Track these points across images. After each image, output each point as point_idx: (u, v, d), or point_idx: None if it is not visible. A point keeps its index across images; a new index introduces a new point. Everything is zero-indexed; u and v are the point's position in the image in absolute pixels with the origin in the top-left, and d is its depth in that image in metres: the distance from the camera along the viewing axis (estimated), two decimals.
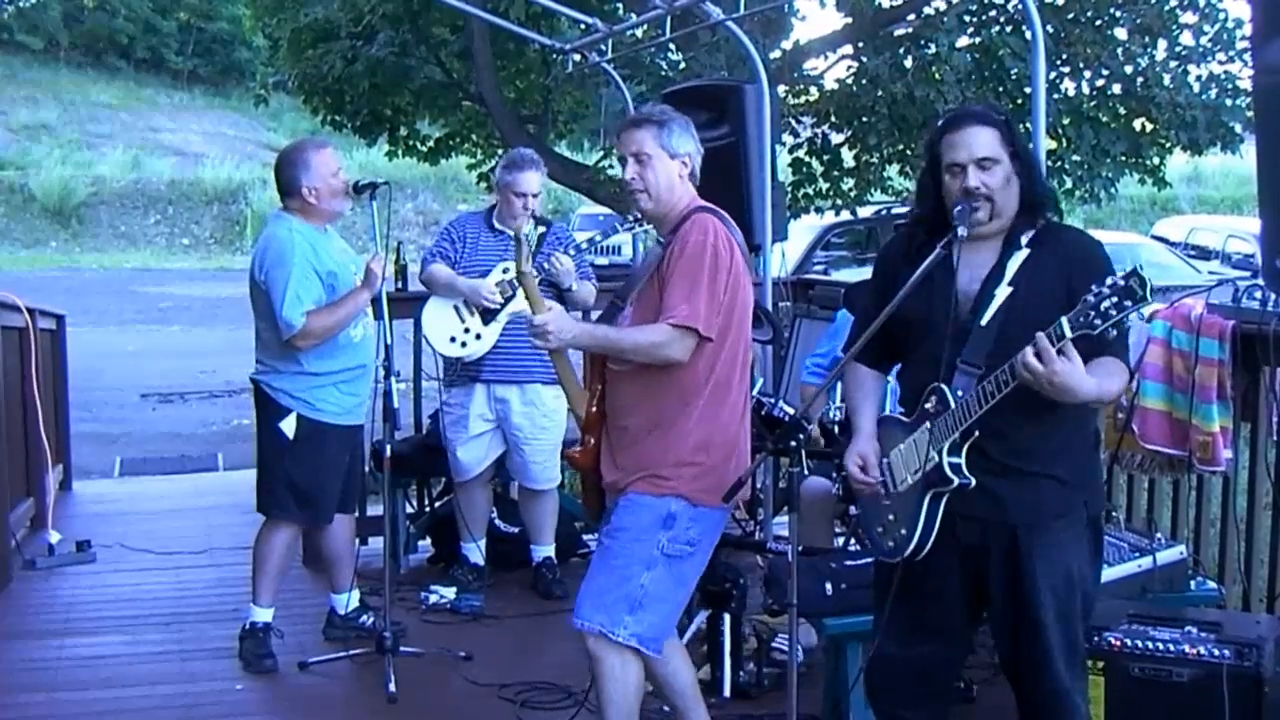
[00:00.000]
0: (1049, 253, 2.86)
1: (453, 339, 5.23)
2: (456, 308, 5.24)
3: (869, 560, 3.62)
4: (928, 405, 2.85)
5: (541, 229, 5.30)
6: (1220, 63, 10.25)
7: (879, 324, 2.88)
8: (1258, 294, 4.01)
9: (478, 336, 5.20)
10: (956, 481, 2.80)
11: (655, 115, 3.42)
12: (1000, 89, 10.08)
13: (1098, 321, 2.53)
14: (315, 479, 4.57)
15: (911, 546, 2.87)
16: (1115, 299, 2.52)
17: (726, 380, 3.33)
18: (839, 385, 4.42)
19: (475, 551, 5.49)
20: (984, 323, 2.82)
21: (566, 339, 3.37)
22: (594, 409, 3.44)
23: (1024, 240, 2.88)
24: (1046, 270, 2.83)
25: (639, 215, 5.22)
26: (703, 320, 3.22)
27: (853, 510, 4.49)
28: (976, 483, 2.81)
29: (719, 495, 3.24)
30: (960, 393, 2.79)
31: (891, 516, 2.94)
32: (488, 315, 5.20)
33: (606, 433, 3.43)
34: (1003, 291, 2.83)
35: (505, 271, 5.20)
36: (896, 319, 2.89)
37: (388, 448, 4.43)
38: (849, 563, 3.71)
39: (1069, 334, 2.57)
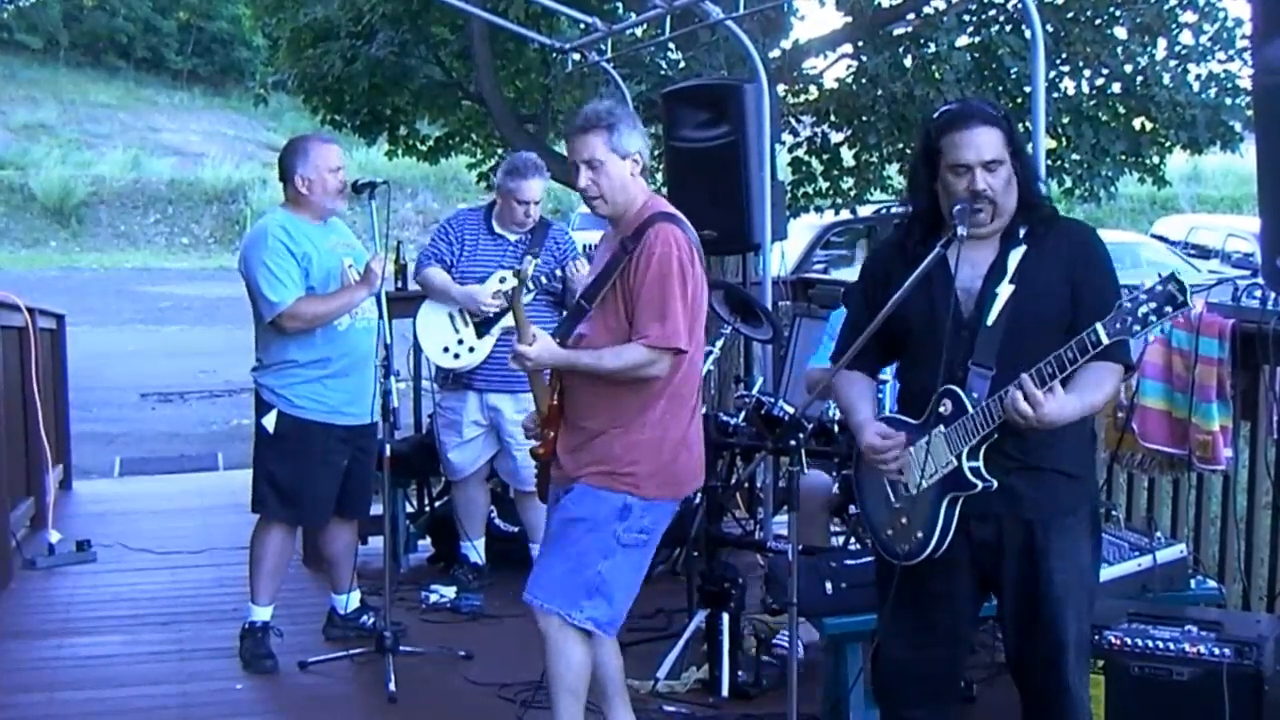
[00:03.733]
0: (1048, 246, 2.86)
1: (445, 349, 5.20)
2: (451, 315, 5.21)
3: (869, 560, 3.62)
4: (941, 409, 2.83)
5: (530, 263, 5.21)
6: (1220, 62, 10.24)
7: (873, 331, 2.86)
8: (1257, 293, 4.01)
9: (471, 349, 5.17)
10: (980, 486, 2.80)
11: (603, 118, 3.42)
12: (1000, 88, 10.08)
13: (1136, 328, 2.56)
14: (297, 477, 4.56)
15: (929, 550, 2.86)
16: (1155, 304, 2.54)
17: (683, 383, 3.43)
18: None
19: (474, 551, 5.49)
20: (990, 322, 2.82)
21: (546, 365, 3.46)
22: (554, 403, 3.52)
23: (1021, 234, 2.87)
24: (1047, 264, 2.84)
25: None
26: (682, 337, 3.32)
27: (852, 509, 4.50)
28: (983, 491, 2.81)
29: (671, 488, 3.43)
30: (975, 395, 2.79)
31: (904, 520, 2.91)
32: (482, 327, 5.17)
33: (564, 420, 3.51)
34: (1005, 289, 2.82)
35: (503, 281, 5.17)
36: (895, 320, 2.89)
37: (387, 447, 4.43)
38: (849, 562, 3.71)
39: (1105, 340, 2.59)
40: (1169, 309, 2.53)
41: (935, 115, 2.93)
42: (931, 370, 2.86)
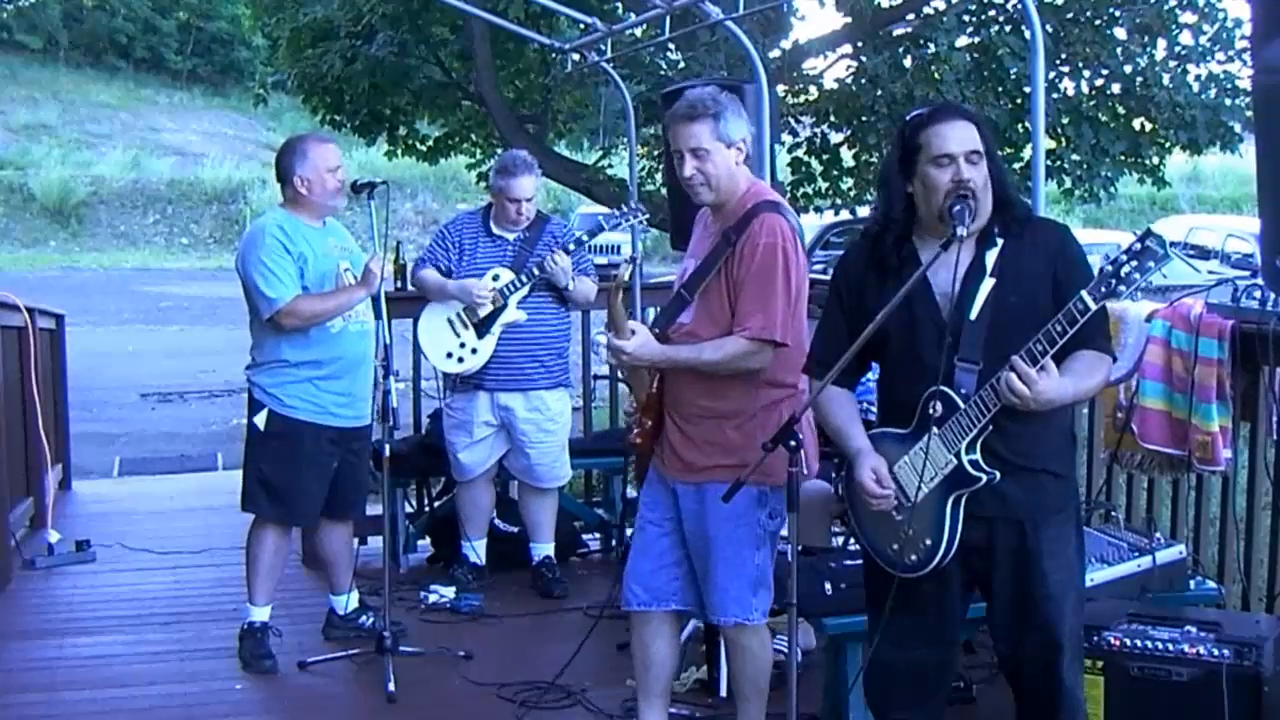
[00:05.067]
0: (1026, 241, 2.85)
1: (449, 355, 5.21)
2: (450, 320, 5.21)
3: None
4: (931, 411, 2.82)
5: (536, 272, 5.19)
6: (1219, 62, 10.27)
7: (858, 348, 2.85)
8: (1257, 293, 4.00)
9: (473, 351, 5.18)
10: (983, 479, 2.79)
11: (709, 106, 3.39)
12: (999, 88, 10.10)
13: (1121, 289, 2.54)
14: (286, 476, 4.56)
15: (939, 555, 2.85)
16: (1135, 262, 2.53)
17: (791, 366, 3.42)
18: None
19: (474, 551, 5.49)
20: (973, 317, 2.80)
21: (644, 361, 3.45)
22: (653, 391, 3.54)
23: (997, 233, 2.86)
24: (1027, 257, 2.83)
25: (630, 208, 5.24)
26: (779, 329, 3.33)
27: None
28: (987, 483, 2.81)
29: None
30: (964, 391, 2.78)
31: (909, 530, 2.89)
32: (481, 328, 5.18)
33: (669, 413, 3.51)
34: (986, 284, 2.81)
35: (495, 279, 5.18)
36: (864, 328, 2.85)
37: (387, 447, 4.43)
38: (848, 562, 3.70)
39: (1092, 305, 2.58)
40: (1150, 264, 2.52)
41: (910, 117, 2.91)
42: (914, 378, 2.85)
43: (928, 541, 2.87)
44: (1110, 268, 2.54)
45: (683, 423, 3.48)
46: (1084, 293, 2.58)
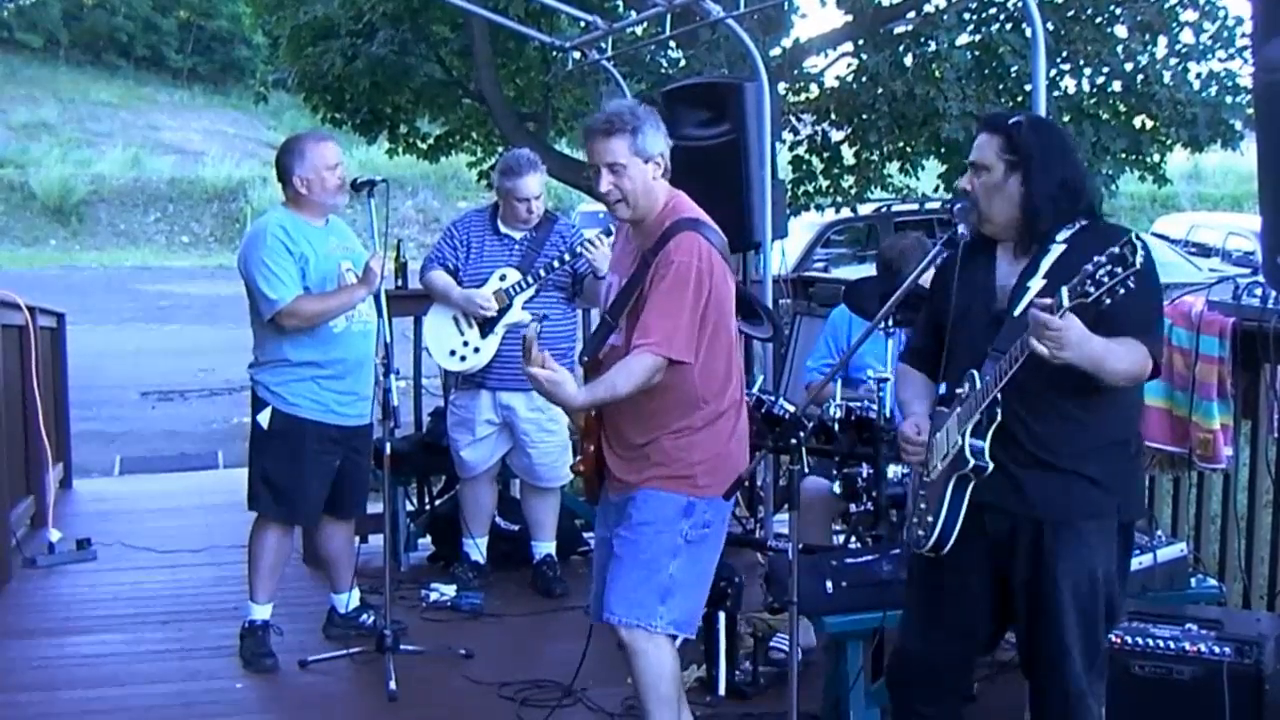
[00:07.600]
0: (1084, 249, 2.84)
1: (452, 353, 5.22)
2: (455, 319, 5.21)
3: (869, 559, 3.64)
4: (960, 391, 2.90)
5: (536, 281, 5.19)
6: (1220, 60, 10.26)
7: (861, 341, 3.01)
8: (1258, 291, 4.01)
9: (476, 350, 5.18)
10: (973, 463, 2.82)
11: (626, 121, 3.33)
12: (1000, 86, 10.09)
13: (1091, 289, 2.55)
14: (290, 475, 4.56)
15: (935, 535, 2.90)
16: (1109, 266, 2.55)
17: (720, 382, 3.39)
18: (838, 382, 4.43)
19: (476, 549, 5.49)
20: (1016, 313, 2.85)
21: (571, 406, 3.37)
22: (592, 415, 3.48)
23: (1060, 237, 2.89)
24: (1078, 262, 2.83)
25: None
26: (676, 347, 3.24)
27: (853, 509, 4.49)
28: (1005, 472, 2.84)
29: (729, 484, 3.32)
30: (988, 379, 2.83)
31: (924, 505, 2.98)
32: (485, 328, 5.18)
33: (606, 437, 3.47)
34: (1036, 284, 2.85)
35: (502, 279, 5.18)
36: (940, 317, 3.00)
37: (388, 446, 4.43)
38: (849, 561, 3.71)
39: (1066, 303, 2.59)
40: (1119, 270, 2.53)
41: None
42: (965, 361, 2.92)
43: (930, 519, 2.93)
44: (1090, 267, 2.57)
45: (622, 450, 3.45)
46: (1063, 288, 2.61)
